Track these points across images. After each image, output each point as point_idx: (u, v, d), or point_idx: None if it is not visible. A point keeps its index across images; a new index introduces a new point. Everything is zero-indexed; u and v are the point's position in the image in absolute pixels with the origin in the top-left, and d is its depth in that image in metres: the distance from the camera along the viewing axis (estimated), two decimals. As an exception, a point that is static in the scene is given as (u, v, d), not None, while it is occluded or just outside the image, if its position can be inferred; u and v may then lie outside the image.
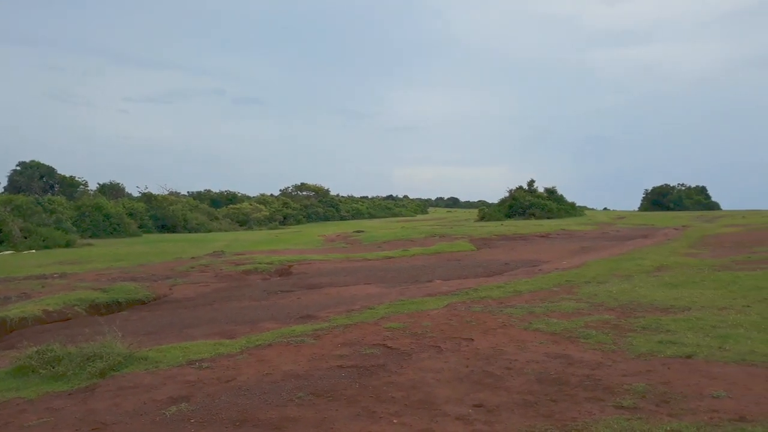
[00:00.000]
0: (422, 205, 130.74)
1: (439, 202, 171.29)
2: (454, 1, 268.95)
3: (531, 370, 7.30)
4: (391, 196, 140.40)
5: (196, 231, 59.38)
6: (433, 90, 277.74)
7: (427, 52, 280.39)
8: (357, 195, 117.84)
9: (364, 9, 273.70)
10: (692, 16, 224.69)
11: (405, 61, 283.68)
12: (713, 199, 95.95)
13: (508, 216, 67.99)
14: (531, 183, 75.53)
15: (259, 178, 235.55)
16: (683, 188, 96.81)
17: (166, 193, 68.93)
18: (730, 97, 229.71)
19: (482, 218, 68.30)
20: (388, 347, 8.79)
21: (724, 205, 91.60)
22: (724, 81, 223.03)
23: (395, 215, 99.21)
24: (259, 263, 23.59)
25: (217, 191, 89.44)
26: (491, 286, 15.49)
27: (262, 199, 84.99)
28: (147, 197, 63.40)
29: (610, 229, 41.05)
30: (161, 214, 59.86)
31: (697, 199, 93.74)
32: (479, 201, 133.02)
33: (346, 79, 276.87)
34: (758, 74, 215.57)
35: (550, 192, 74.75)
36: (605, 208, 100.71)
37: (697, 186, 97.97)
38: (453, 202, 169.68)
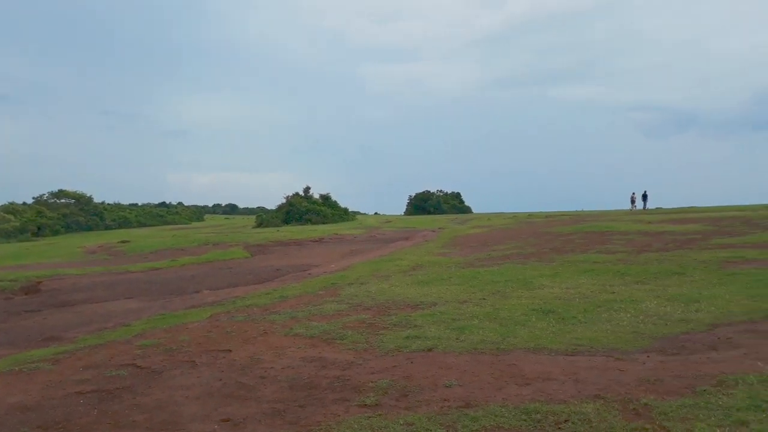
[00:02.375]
0: (198, 213, 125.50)
1: (217, 209, 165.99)
2: (231, 4, 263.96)
3: (285, 376, 7.33)
4: (165, 203, 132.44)
5: None
6: (209, 94, 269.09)
7: (206, 55, 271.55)
8: (125, 202, 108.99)
9: (136, 6, 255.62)
10: (452, 39, 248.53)
11: (182, 62, 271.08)
12: (466, 203, 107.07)
13: (286, 222, 68.40)
14: (307, 189, 76.89)
15: (8, 184, 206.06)
16: (441, 194, 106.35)
17: None
18: (481, 113, 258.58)
19: (260, 225, 67.81)
20: (138, 366, 8.20)
21: (476, 209, 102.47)
22: (477, 98, 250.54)
23: (168, 223, 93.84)
24: (0, 281, 20.66)
25: (-52, 200, 76.18)
26: (259, 294, 15.38)
27: (11, 208, 74.47)
28: None
29: (377, 233, 43.43)
30: None
31: (453, 203, 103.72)
32: (258, 207, 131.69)
33: (112, 79, 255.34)
34: (503, 94, 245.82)
35: (325, 198, 76.86)
36: (376, 213, 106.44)
37: (453, 192, 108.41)
38: (231, 209, 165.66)
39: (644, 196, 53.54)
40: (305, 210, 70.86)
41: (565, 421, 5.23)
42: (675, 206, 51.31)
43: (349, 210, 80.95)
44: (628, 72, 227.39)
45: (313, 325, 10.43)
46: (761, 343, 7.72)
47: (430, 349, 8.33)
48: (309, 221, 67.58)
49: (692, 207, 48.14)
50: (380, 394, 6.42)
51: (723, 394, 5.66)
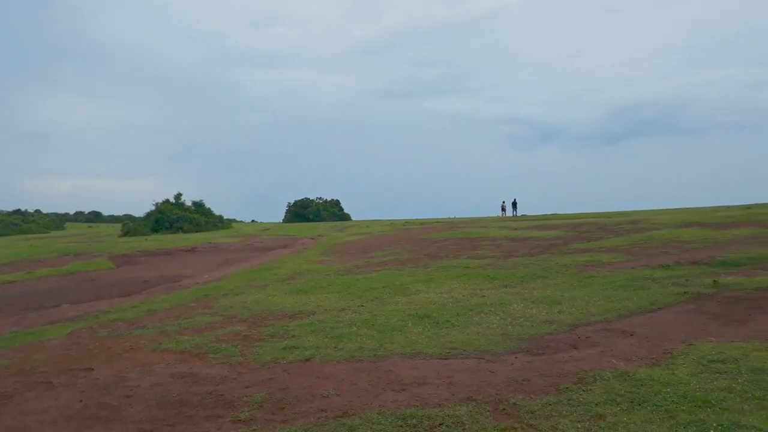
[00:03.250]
0: (58, 221, 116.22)
1: (80, 217, 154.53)
2: (97, 6, 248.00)
3: (153, 394, 6.90)
4: (20, 210, 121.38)
5: None
6: (71, 96, 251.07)
7: (72, 57, 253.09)
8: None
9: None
10: (329, 48, 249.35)
11: (45, 63, 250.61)
12: (346, 210, 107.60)
13: (155, 230, 64.97)
14: (178, 196, 73.52)
15: None
16: (321, 201, 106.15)
17: None
18: (359, 121, 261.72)
19: (126, 233, 63.94)
20: (-18, 392, 7.38)
21: (355, 216, 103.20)
22: (355, 107, 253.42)
23: (24, 233, 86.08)
24: None
25: None
26: (125, 307, 14.45)
27: None
28: None
29: (255, 241, 42.46)
30: None
31: (332, 210, 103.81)
32: (125, 215, 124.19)
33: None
34: (380, 104, 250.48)
35: (198, 205, 73.91)
36: (253, 221, 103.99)
37: (333, 199, 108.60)
38: (95, 217, 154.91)
39: (514, 204, 56.91)
40: (176, 218, 67.71)
41: (440, 424, 5.33)
42: (540, 213, 54.68)
43: (225, 218, 78.45)
44: (498, 86, 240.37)
45: (183, 339, 9.95)
46: (615, 341, 8.35)
47: (307, 359, 8.22)
48: (180, 229, 64.67)
49: (554, 214, 51.51)
50: (255, 408, 6.22)
51: (583, 391, 6.03)
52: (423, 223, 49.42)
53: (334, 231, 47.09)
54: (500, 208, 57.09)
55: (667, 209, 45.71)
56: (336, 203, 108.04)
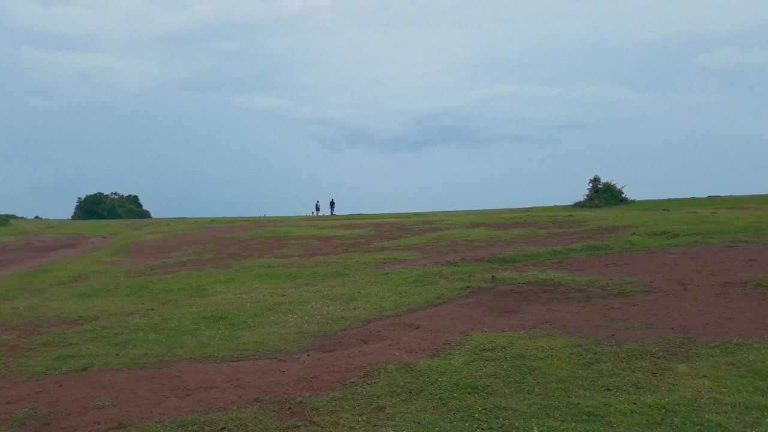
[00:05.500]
0: None
1: None
2: None
3: None
4: None
5: None
6: None
7: None
8: None
9: None
10: (131, 34, 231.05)
11: None
12: (145, 207, 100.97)
13: None
14: (-60, 188, 63.75)
15: None
16: (117, 197, 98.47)
17: None
18: (163, 114, 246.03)
19: None
20: None
21: (155, 214, 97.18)
22: (158, 98, 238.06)
23: None
24: None
25: None
26: None
27: None
28: None
29: (36, 240, 38.15)
30: None
31: (129, 207, 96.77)
32: None
33: None
34: (186, 96, 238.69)
35: (-34, 198, 64.74)
36: (37, 217, 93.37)
37: (131, 195, 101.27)
38: None
39: (332, 204, 58.33)
40: (-62, 213, 58.64)
41: (222, 429, 5.20)
42: (347, 213, 56.14)
43: (1, 214, 69.53)
44: (308, 87, 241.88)
45: (-68, 353, 8.59)
46: (402, 334, 8.82)
47: (84, 369, 7.55)
48: (-56, 226, 56.05)
49: (360, 214, 53.24)
50: (15, 426, 5.56)
51: (368, 384, 6.27)
52: (230, 222, 48.15)
53: (131, 229, 43.96)
54: (315, 207, 57.78)
55: (459, 211, 49.48)
56: (134, 199, 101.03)
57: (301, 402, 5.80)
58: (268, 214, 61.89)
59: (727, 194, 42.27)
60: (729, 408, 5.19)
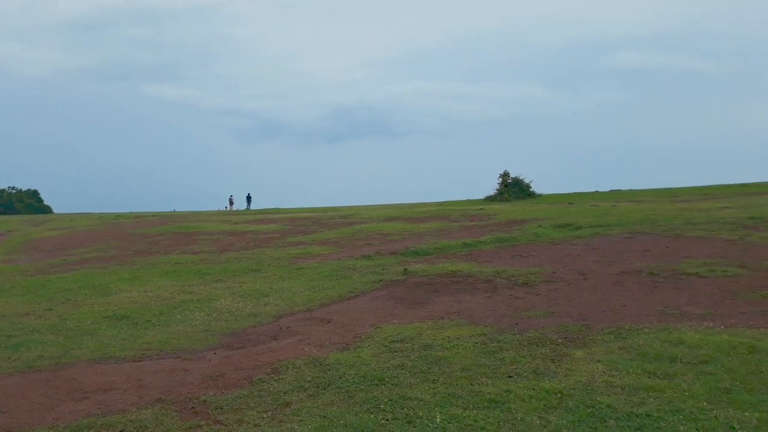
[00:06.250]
0: None
1: None
2: None
3: None
4: None
5: None
6: None
7: None
8: None
9: None
10: (30, 19, 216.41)
11: None
12: (46, 202, 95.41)
13: None
14: None
15: None
16: (15, 191, 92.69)
17: None
18: (65, 103, 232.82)
19: None
20: None
21: (57, 209, 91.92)
22: (61, 87, 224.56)
23: None
24: None
25: None
26: None
27: None
28: None
29: None
30: None
31: (28, 202, 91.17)
32: None
33: None
34: (91, 85, 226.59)
35: None
36: None
37: (30, 189, 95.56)
38: None
39: (248, 198, 56.76)
40: None
41: (120, 431, 5.01)
42: (262, 208, 55.18)
43: None
44: (222, 77, 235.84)
45: None
46: (313, 328, 8.80)
47: (-31, 376, 7.05)
48: None
49: (276, 208, 52.47)
50: None
51: (275, 380, 6.21)
52: (137, 217, 46.23)
53: (29, 225, 41.40)
54: (228, 202, 56.29)
55: (375, 205, 49.79)
56: (34, 194, 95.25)
57: (204, 401, 5.68)
58: (178, 209, 59.81)
59: (628, 188, 44.82)
60: (619, 390, 5.51)
